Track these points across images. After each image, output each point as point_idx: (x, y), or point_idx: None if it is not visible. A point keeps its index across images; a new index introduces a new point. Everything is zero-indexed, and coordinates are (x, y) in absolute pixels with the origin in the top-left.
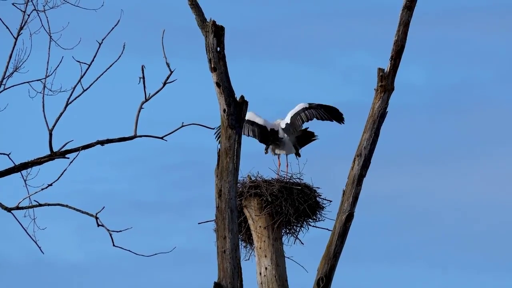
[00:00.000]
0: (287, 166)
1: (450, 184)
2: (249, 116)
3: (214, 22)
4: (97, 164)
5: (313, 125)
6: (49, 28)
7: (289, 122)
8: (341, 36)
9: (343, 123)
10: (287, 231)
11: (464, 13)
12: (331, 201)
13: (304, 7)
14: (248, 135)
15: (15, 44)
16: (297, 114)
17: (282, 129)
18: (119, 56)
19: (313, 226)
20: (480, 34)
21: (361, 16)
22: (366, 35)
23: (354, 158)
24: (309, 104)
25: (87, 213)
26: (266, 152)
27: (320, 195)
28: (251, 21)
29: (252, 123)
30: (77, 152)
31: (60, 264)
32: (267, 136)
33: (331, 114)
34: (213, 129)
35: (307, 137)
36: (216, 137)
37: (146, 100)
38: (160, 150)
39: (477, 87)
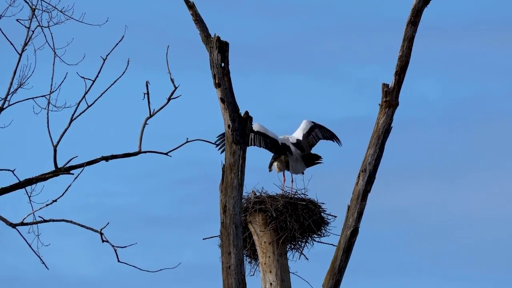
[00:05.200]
0: (292, 181)
1: (463, 197)
2: (257, 127)
3: (218, 37)
4: (109, 178)
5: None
6: (53, 44)
7: (301, 139)
8: (355, 50)
9: (341, 145)
10: (292, 247)
11: (478, 27)
12: (336, 216)
13: (318, 21)
14: (260, 146)
15: (19, 60)
16: (308, 133)
17: (293, 143)
18: (123, 72)
19: (318, 242)
20: (494, 47)
21: (375, 30)
22: (380, 49)
23: (359, 174)
24: (313, 122)
25: (92, 229)
26: (270, 170)
27: (325, 211)
28: (266, 36)
29: (263, 135)
30: (82, 168)
31: (72, 279)
32: (279, 149)
33: (331, 135)
34: (217, 144)
35: (312, 159)
36: (219, 147)
37: (151, 116)
38: (172, 164)
39: (491, 101)
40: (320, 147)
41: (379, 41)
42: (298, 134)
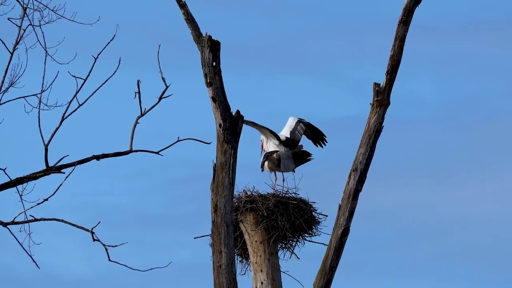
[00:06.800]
0: (283, 180)
1: (459, 197)
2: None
3: (209, 37)
4: (103, 178)
5: (309, 142)
6: (44, 43)
7: (289, 136)
8: (350, 50)
9: (323, 146)
10: (283, 246)
11: (474, 27)
12: (327, 215)
13: (312, 21)
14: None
15: (10, 59)
16: (295, 129)
17: (282, 141)
18: (115, 71)
19: (309, 241)
20: (489, 47)
21: (369, 30)
22: (375, 49)
23: (350, 173)
24: (299, 119)
25: (83, 228)
26: (263, 170)
27: (316, 210)
28: (262, 35)
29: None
30: (73, 167)
31: (68, 278)
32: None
33: (316, 135)
34: (209, 143)
35: (303, 156)
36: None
37: (142, 115)
38: (167, 163)
39: (486, 101)
40: (313, 145)
41: (374, 41)
42: (286, 131)
